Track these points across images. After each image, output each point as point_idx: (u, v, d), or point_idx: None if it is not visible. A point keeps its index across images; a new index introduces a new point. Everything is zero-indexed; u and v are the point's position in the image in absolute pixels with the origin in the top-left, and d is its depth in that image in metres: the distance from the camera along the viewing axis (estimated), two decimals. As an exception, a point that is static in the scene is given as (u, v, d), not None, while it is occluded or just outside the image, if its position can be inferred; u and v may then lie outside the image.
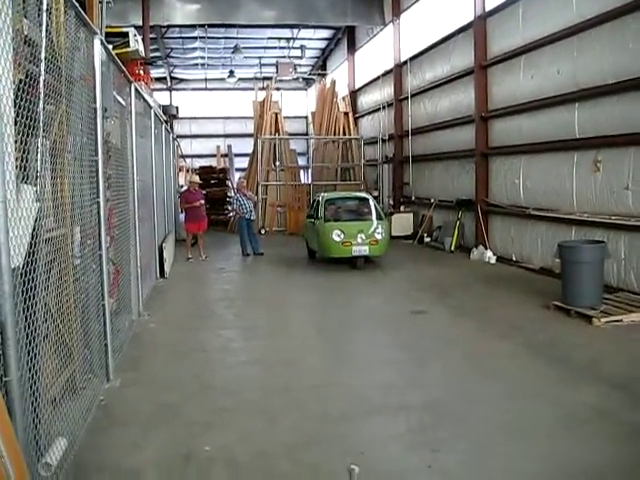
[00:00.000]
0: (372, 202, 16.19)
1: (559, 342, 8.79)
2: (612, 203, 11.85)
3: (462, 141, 18.37)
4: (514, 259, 15.58)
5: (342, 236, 14.61)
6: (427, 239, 20.23)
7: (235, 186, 26.72)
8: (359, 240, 14.57)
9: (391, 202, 23.98)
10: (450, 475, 5.13)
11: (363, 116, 29.15)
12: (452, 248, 18.06)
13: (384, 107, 25.40)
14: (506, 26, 15.80)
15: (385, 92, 25.38)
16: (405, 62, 22.92)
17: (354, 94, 30.11)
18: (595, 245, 10.55)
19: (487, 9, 16.68)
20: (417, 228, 21.21)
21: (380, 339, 9.48)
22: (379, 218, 15.56)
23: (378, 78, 26.14)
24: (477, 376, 7.53)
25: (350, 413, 6.39)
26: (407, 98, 22.61)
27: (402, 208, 22.77)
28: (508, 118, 15.94)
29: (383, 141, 25.52)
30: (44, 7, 5.03)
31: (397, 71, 23.80)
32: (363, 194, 18.14)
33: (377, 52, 26.67)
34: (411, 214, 21.92)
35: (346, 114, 28.77)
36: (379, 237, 14.89)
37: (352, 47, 30.49)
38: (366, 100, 28.81)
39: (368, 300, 12.10)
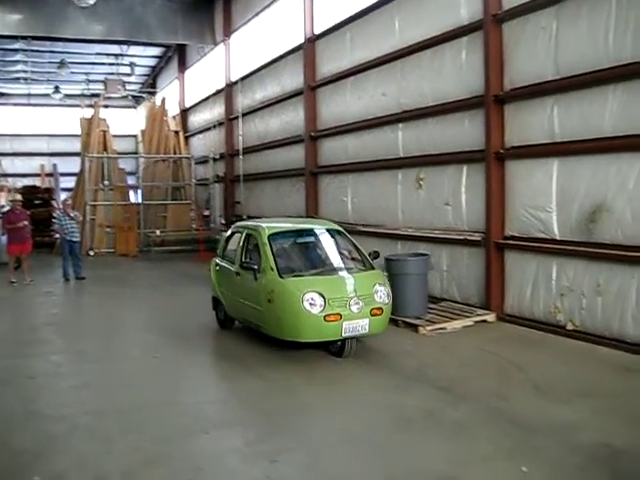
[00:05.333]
0: (346, 237, 10.11)
1: (389, 351, 9.04)
2: (434, 218, 12.42)
3: (292, 160, 18.61)
4: (344, 274, 15.87)
5: (323, 304, 8.21)
6: (259, 257, 20.13)
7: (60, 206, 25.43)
8: (354, 309, 8.30)
9: (223, 221, 23.79)
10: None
11: (194, 135, 28.84)
12: (284, 265, 18.05)
13: (215, 126, 25.27)
14: (334, 49, 16.21)
15: (216, 111, 25.28)
16: (236, 82, 22.95)
17: (185, 113, 29.77)
18: (419, 258, 11.01)
19: (316, 32, 17.05)
20: (249, 246, 21.12)
21: (212, 355, 9.33)
22: (369, 266, 9.42)
23: (209, 97, 25.99)
24: (306, 387, 7.59)
25: (187, 431, 6.23)
26: (238, 117, 22.65)
27: (234, 227, 22.62)
28: (336, 138, 16.32)
29: (214, 160, 25.32)
30: None
31: (228, 90, 23.79)
32: (326, 223, 11.06)
33: (208, 71, 26.49)
34: (243, 233, 21.79)
35: (176, 133, 28.35)
36: (384, 301, 8.73)
37: (183, 65, 30.12)
38: (197, 119, 28.55)
39: (199, 314, 11.85)
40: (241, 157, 22.51)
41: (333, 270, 9.14)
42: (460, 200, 11.85)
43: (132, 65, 31.32)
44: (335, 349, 8.71)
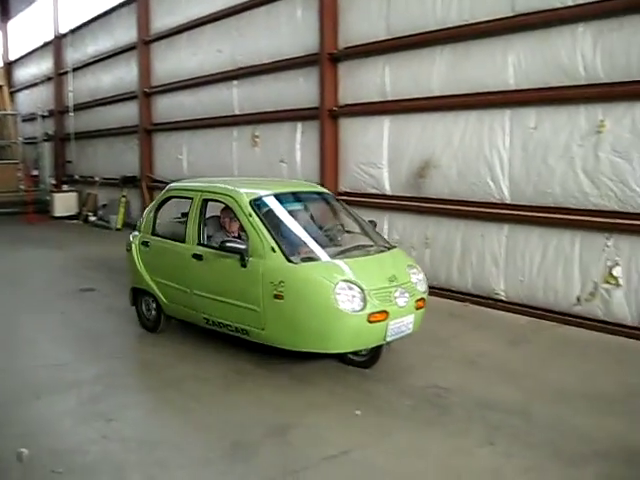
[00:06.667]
0: (342, 204, 7.58)
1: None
2: (270, 175, 12.14)
3: (126, 117, 17.64)
4: (180, 233, 15.39)
5: (362, 298, 5.72)
6: (93, 218, 19.17)
7: None
8: (400, 302, 5.94)
9: (53, 182, 22.36)
10: (126, 441, 4.85)
11: (20, 90, 26.56)
12: (119, 226, 17.30)
13: (43, 81, 23.53)
14: (170, 3, 15.41)
15: (44, 65, 23.43)
16: (66, 34, 21.35)
17: (9, 66, 27.34)
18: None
19: (150, -16, 16.19)
20: (82, 207, 20.08)
21: (47, 318, 8.42)
22: (387, 243, 7.02)
23: (36, 50, 24.10)
24: (149, 347, 7.23)
25: (17, 396, 5.69)
26: (68, 72, 21.16)
27: (65, 187, 21.36)
28: (171, 94, 15.62)
29: (43, 117, 23.56)
30: None
31: (57, 43, 22.08)
32: (307, 184, 8.55)
33: (36, 22, 24.36)
34: (75, 193, 20.66)
35: (0, 87, 26.23)
36: (424, 289, 6.43)
37: (6, 15, 27.54)
38: (23, 73, 26.35)
39: (32, 278, 11.01)
40: (71, 114, 21.10)
41: (354, 249, 6.47)
42: (295, 157, 11.72)
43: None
44: (362, 358, 6.34)
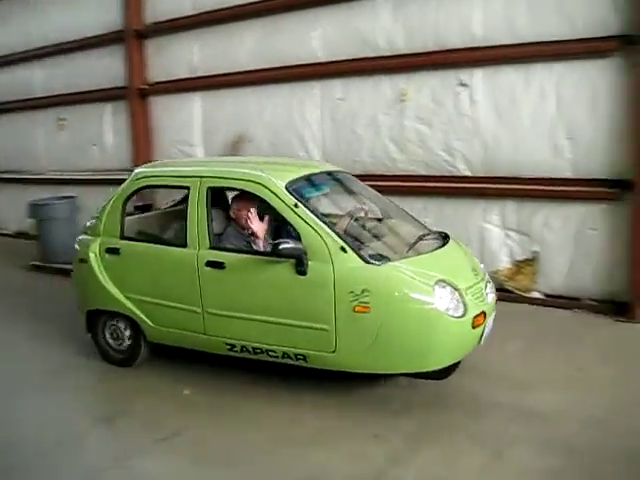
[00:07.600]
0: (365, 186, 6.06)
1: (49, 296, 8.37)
2: (80, 159, 11.55)
3: None
4: (-16, 226, 14.25)
5: (460, 300, 4.56)
6: None
7: None
8: (490, 298, 4.93)
9: None
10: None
11: None
12: None
13: None
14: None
15: None
16: None
17: None
18: (64, 200, 10.20)
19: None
20: None
21: None
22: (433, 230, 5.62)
23: None
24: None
25: None
26: None
27: None
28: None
29: None
30: None
31: None
32: (323, 164, 6.73)
33: None
34: None
35: None
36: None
37: None
38: None
39: None
40: None
41: (420, 241, 5.06)
42: (106, 139, 11.17)
43: None
44: (442, 372, 5.02)
